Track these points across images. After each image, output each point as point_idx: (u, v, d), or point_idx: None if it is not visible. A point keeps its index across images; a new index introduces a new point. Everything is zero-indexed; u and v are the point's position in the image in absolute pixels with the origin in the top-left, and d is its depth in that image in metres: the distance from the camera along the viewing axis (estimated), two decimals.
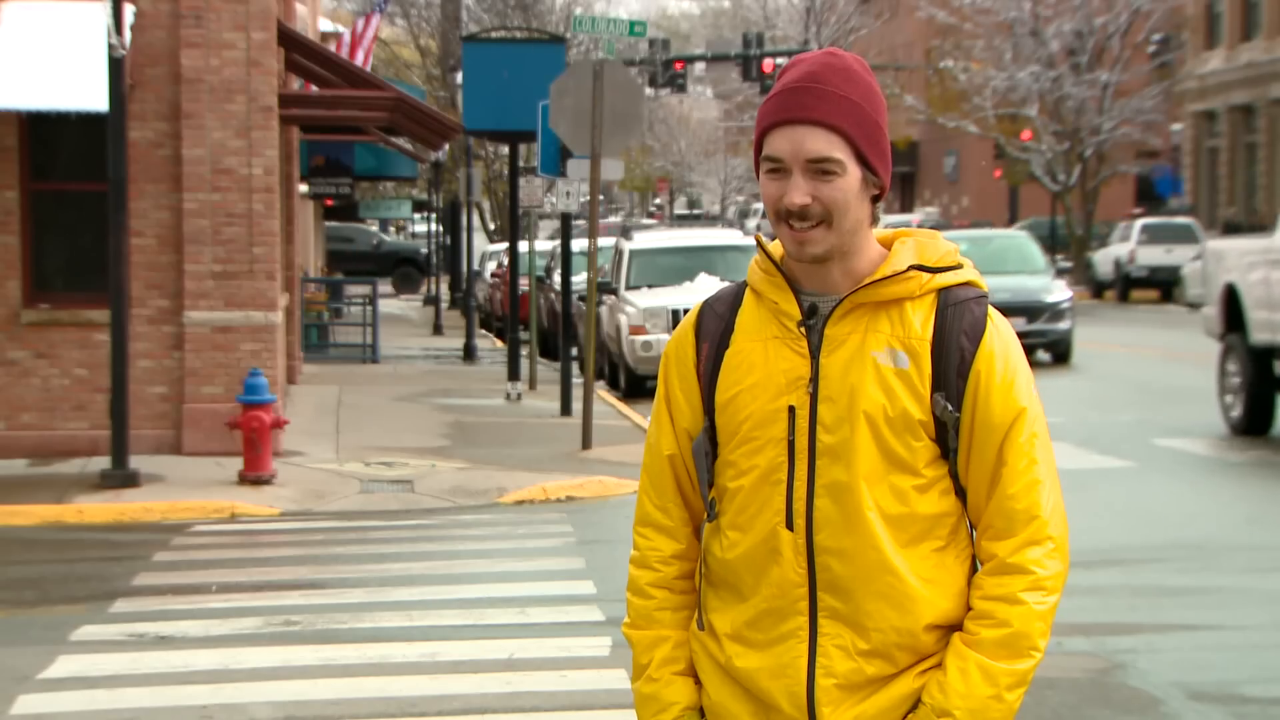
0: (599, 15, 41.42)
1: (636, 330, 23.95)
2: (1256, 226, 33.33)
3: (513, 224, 24.55)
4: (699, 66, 67.89)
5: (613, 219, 64.03)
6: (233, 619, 10.50)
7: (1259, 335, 17.72)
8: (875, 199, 3.30)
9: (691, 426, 3.41)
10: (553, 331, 31.42)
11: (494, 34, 35.16)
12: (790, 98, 3.23)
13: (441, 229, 51.84)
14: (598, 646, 9.61)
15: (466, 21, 44.70)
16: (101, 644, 9.91)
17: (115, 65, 15.33)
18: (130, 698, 8.72)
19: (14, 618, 10.79)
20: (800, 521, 3.27)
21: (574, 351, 23.40)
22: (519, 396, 23.01)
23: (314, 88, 23.29)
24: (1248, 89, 53.06)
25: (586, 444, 18.09)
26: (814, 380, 3.27)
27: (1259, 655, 9.35)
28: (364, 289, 34.37)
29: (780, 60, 49.18)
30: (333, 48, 29.86)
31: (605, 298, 25.15)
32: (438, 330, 38.44)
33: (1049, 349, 27.56)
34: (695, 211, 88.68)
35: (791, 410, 3.27)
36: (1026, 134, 54.50)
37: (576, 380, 21.99)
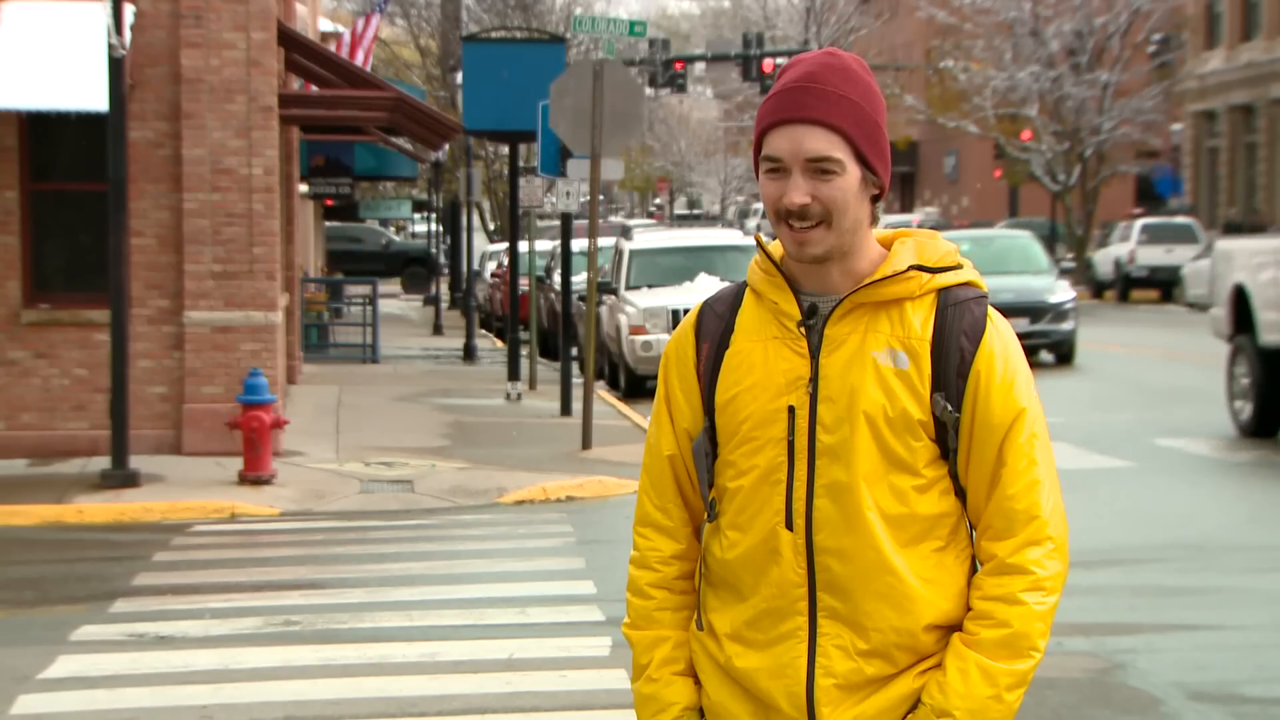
0: (599, 15, 41.43)
1: (636, 330, 23.95)
2: (1257, 226, 33.32)
3: (513, 224, 24.56)
4: (699, 66, 67.88)
5: (614, 219, 64.04)
6: (233, 619, 10.50)
7: (1269, 336, 17.52)
8: (875, 199, 3.30)
9: (691, 427, 3.41)
10: (553, 331, 31.42)
11: (494, 34, 35.17)
12: (789, 97, 3.23)
13: (441, 229, 51.84)
14: (598, 646, 9.61)
15: (466, 21, 44.68)
16: (101, 644, 9.91)
17: (115, 65, 15.33)
18: (130, 698, 8.72)
19: (14, 618, 10.80)
20: (800, 521, 3.27)
21: (574, 351, 23.40)
22: (519, 396, 23.01)
23: (314, 88, 23.29)
24: (1248, 89, 53.06)
25: (586, 444, 18.09)
26: (814, 380, 3.27)
27: (1259, 655, 9.35)
28: (364, 289, 34.37)
29: (780, 60, 49.18)
30: (333, 48, 29.86)
31: (605, 298, 25.15)
32: (438, 330, 38.44)
33: (1052, 350, 27.43)
34: (695, 211, 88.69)
35: (791, 410, 3.27)
36: (1026, 134, 54.49)
37: (576, 380, 21.99)
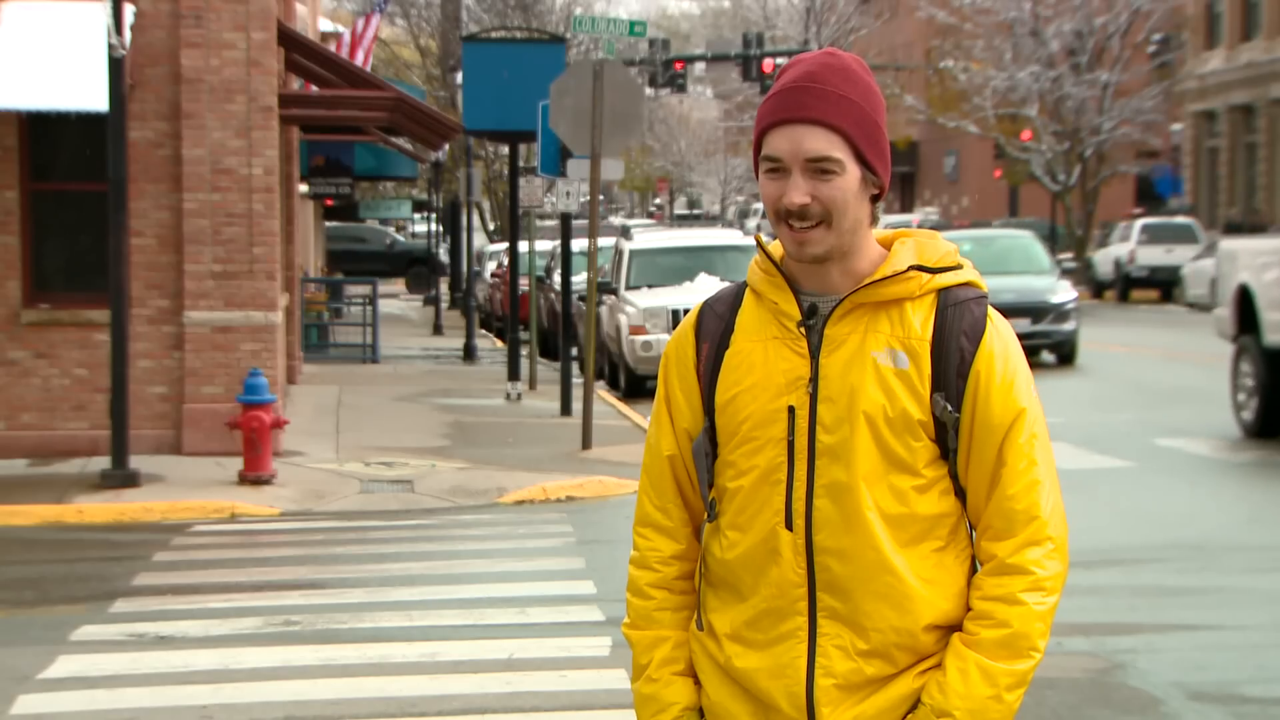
0: (599, 15, 41.45)
1: (636, 330, 23.95)
2: (1257, 226, 33.29)
3: (513, 224, 24.56)
4: (699, 66, 67.89)
5: (614, 219, 64.03)
6: (233, 619, 10.50)
7: (1273, 337, 17.42)
8: (874, 199, 3.30)
9: (691, 427, 3.41)
10: (553, 331, 31.42)
11: (494, 34, 35.17)
12: (789, 97, 3.23)
13: (441, 229, 51.84)
14: (598, 646, 9.61)
15: (466, 21, 44.67)
16: (101, 644, 9.91)
17: (115, 65, 15.33)
18: (130, 698, 8.72)
19: (14, 618, 10.79)
20: (800, 521, 3.27)
21: (574, 351, 23.40)
22: (519, 396, 23.01)
23: (314, 88, 23.29)
24: (1248, 89, 53.06)
25: (586, 444, 18.09)
26: (814, 380, 3.27)
27: (1259, 655, 9.35)
28: (364, 289, 34.37)
29: (780, 60, 49.18)
30: (333, 48, 29.86)
31: (605, 298, 25.15)
32: (438, 330, 38.44)
33: (1054, 350, 27.31)
34: (695, 211, 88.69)
35: (791, 410, 3.27)
36: (1026, 134, 54.49)
37: (576, 380, 22.00)
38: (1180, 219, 48.88)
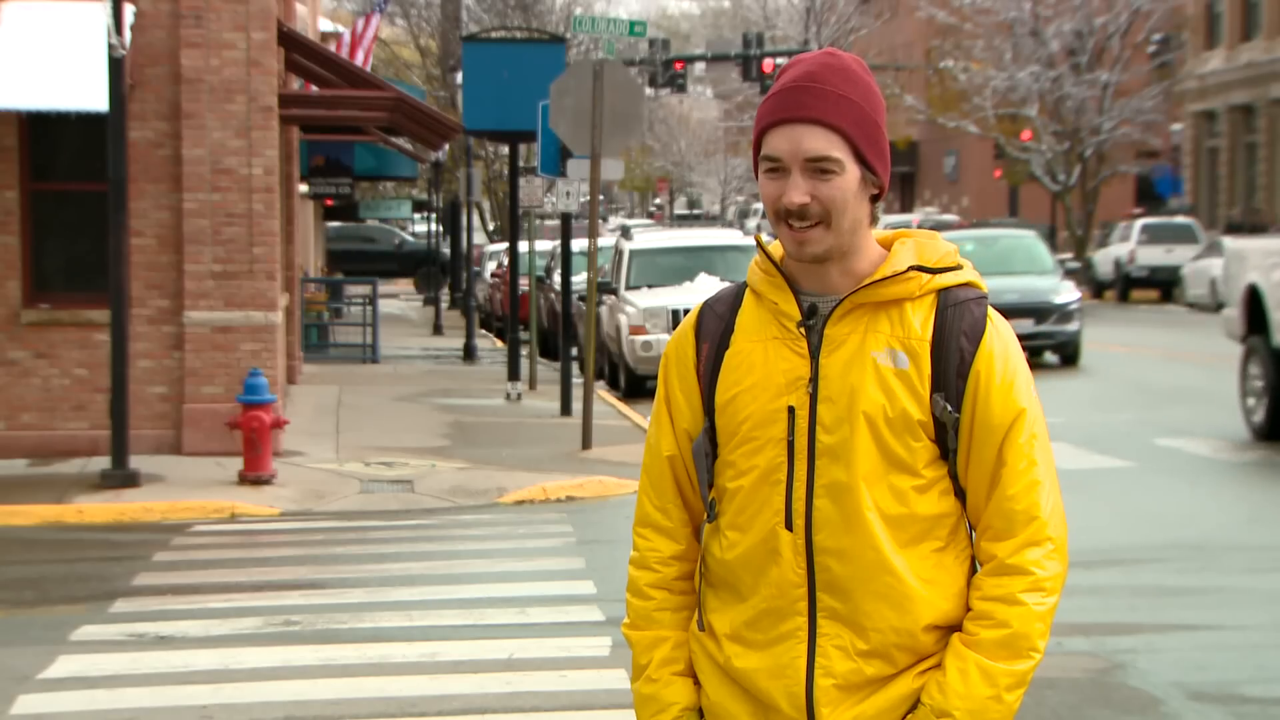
0: (599, 15, 41.45)
1: (636, 330, 23.95)
2: (1258, 226, 33.26)
3: (513, 224, 24.56)
4: (699, 66, 67.89)
5: (613, 219, 64.07)
6: (233, 619, 10.50)
7: None
8: (874, 199, 3.30)
9: (691, 427, 3.41)
10: (553, 331, 31.43)
11: (494, 34, 35.16)
12: (789, 97, 3.23)
13: (441, 229, 51.85)
14: (598, 646, 9.61)
15: (466, 21, 44.68)
16: (101, 644, 9.91)
17: (115, 65, 15.33)
18: (130, 698, 8.72)
19: (14, 618, 10.80)
20: (799, 522, 3.27)
21: (574, 351, 23.40)
22: (519, 396, 23.01)
23: (314, 88, 23.29)
24: (1248, 89, 53.07)
25: (586, 444, 18.09)
26: (813, 380, 3.27)
27: (1259, 655, 9.35)
28: (364, 289, 34.38)
29: (780, 60, 49.19)
30: (333, 48, 29.87)
31: (605, 298, 25.15)
32: (438, 330, 38.45)
33: (1057, 351, 27.18)
34: (695, 211, 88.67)
35: (791, 410, 3.27)
36: (1026, 134, 54.49)
37: (576, 380, 22.00)
38: (1180, 219, 48.87)
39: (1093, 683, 8.76)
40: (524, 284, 27.73)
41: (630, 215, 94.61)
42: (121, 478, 15.39)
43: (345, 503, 15.30)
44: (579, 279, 24.94)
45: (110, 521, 14.37)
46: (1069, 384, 24.15)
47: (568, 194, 20.97)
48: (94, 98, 15.60)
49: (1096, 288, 49.36)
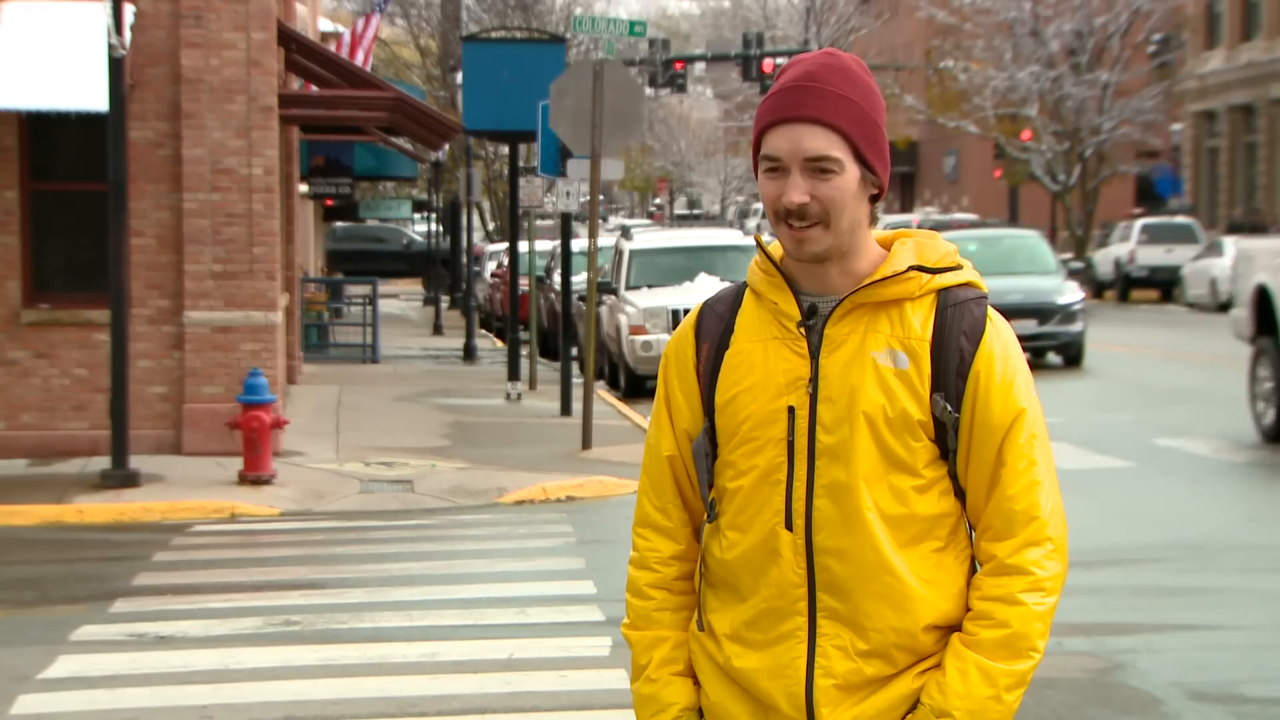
0: (599, 15, 41.46)
1: (636, 330, 23.95)
2: (1259, 226, 33.26)
3: (513, 224, 24.56)
4: (699, 66, 67.88)
5: (614, 219, 64.08)
6: (233, 619, 10.50)
7: None
8: (874, 199, 3.30)
9: (691, 427, 3.41)
10: (553, 331, 31.42)
11: (494, 34, 35.17)
12: (788, 96, 3.23)
13: (441, 229, 51.85)
14: (598, 646, 9.61)
15: (466, 21, 44.68)
16: (101, 644, 9.91)
17: (115, 65, 15.33)
18: (130, 698, 8.72)
19: (14, 618, 10.80)
20: (799, 522, 3.27)
21: (574, 351, 23.40)
22: (519, 396, 23.01)
23: (314, 88, 23.29)
24: (1248, 89, 53.07)
25: (586, 444, 18.09)
26: (813, 381, 3.27)
27: (1259, 655, 9.35)
28: (364, 289, 34.38)
29: (780, 60, 49.19)
30: (333, 48, 29.87)
31: (605, 298, 25.15)
32: (438, 330, 38.45)
33: (1060, 352, 27.04)
34: (695, 211, 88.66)
35: (791, 411, 3.27)
36: (1026, 134, 54.49)
37: (576, 380, 22.00)
38: (1180, 219, 48.88)
39: (1093, 683, 8.76)
40: (524, 284, 27.73)
41: (630, 215, 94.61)
42: (121, 478, 15.40)
43: (345, 503, 15.30)
44: (579, 279, 24.94)
45: (110, 521, 14.37)
46: (1069, 384, 24.14)
47: (568, 194, 20.97)
48: (94, 98, 15.60)
49: (1096, 288, 49.36)
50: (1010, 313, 23.69)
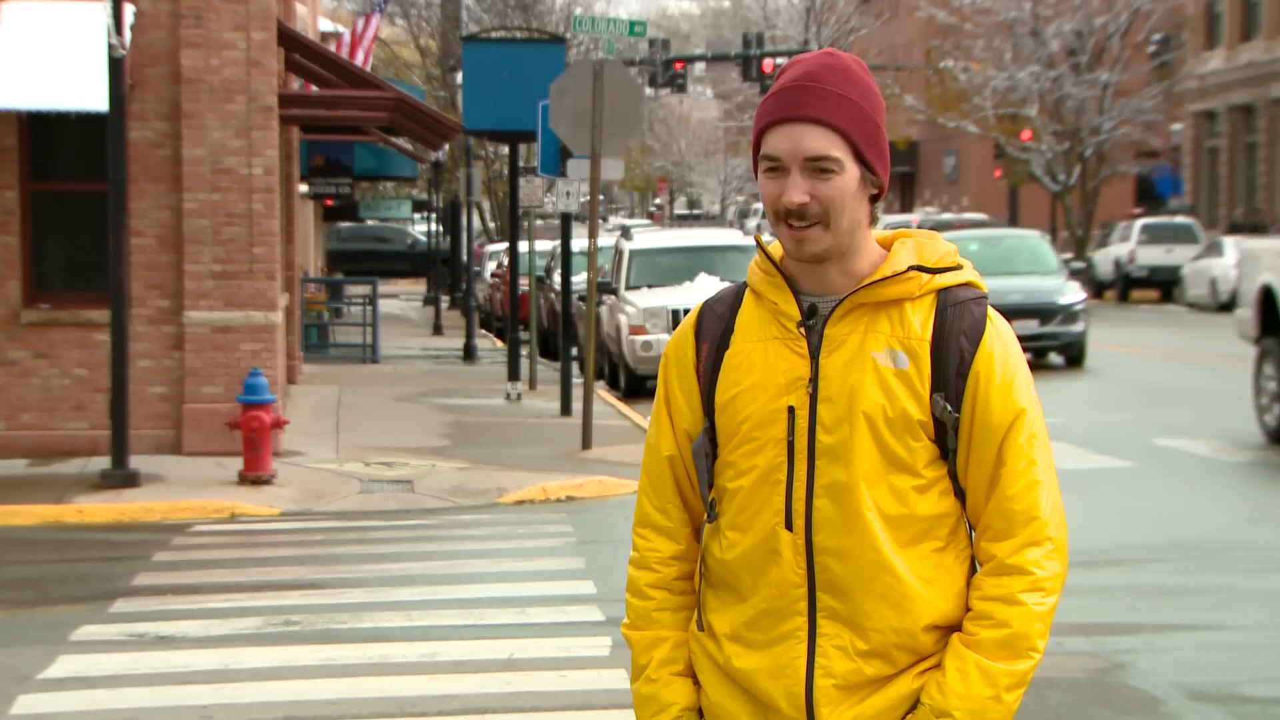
0: (599, 15, 41.45)
1: (636, 330, 23.95)
2: (1259, 226, 33.25)
3: (513, 224, 24.56)
4: (699, 66, 67.87)
5: (614, 219, 64.13)
6: (233, 619, 10.50)
7: None
8: (874, 199, 3.30)
9: (691, 427, 3.41)
10: (553, 331, 31.42)
11: (494, 34, 35.16)
12: (788, 96, 3.23)
13: (441, 229, 51.86)
14: (598, 646, 9.61)
15: (466, 21, 44.65)
16: (101, 644, 9.91)
17: (115, 65, 15.33)
18: (130, 698, 8.72)
19: (14, 618, 10.80)
20: (799, 522, 3.27)
21: (574, 351, 23.40)
22: (519, 396, 23.01)
23: (314, 88, 23.29)
24: (1248, 89, 53.07)
25: (586, 444, 18.09)
26: (813, 381, 3.27)
27: (1259, 655, 9.35)
28: (364, 289, 34.38)
29: (780, 60, 49.19)
30: (333, 48, 29.87)
31: (605, 298, 25.15)
32: (438, 330, 38.45)
33: (1062, 352, 26.96)
34: (695, 211, 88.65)
35: (791, 411, 3.27)
36: (1026, 134, 54.48)
37: (576, 380, 22.00)
38: (1180, 219, 48.87)
39: (1093, 683, 8.76)
40: (524, 284, 27.73)
41: (630, 215, 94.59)
42: (121, 478, 15.40)
43: (345, 503, 15.30)
44: (579, 279, 24.94)
45: (110, 521, 14.37)
46: (1069, 384, 24.14)
47: (568, 194, 20.97)
48: (94, 98, 15.60)
49: (1096, 288, 49.35)
50: (1011, 313, 23.64)
